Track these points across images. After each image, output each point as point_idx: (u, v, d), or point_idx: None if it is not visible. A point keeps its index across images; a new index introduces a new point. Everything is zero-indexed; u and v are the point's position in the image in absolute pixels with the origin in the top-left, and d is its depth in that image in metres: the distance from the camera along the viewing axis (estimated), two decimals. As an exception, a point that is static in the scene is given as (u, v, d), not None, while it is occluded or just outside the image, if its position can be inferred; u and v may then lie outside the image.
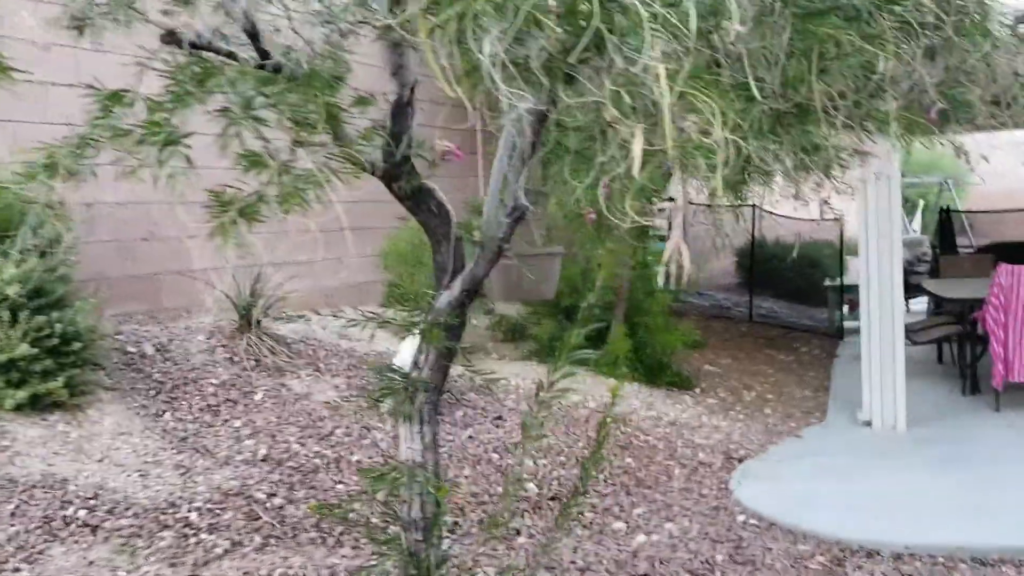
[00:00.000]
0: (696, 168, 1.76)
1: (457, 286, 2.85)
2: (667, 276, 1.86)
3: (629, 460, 5.22)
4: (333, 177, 1.95)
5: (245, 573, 3.14)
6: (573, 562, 3.82)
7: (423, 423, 2.89)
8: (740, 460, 5.38)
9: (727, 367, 8.06)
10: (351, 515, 3.26)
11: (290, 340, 5.49)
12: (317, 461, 4.18)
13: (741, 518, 4.48)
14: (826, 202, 5.65)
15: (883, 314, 5.94)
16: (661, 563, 3.91)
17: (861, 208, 5.97)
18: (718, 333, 9.69)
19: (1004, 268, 6.12)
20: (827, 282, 10.75)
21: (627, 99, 1.57)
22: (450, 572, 2.92)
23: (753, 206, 10.86)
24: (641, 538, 4.19)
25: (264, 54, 2.39)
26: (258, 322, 5.19)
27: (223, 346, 5.02)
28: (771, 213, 11.36)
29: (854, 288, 7.69)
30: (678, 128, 1.68)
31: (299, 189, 1.81)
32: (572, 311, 6.98)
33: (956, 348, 7.24)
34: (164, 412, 4.26)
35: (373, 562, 2.81)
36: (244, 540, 3.48)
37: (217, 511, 3.58)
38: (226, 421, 4.34)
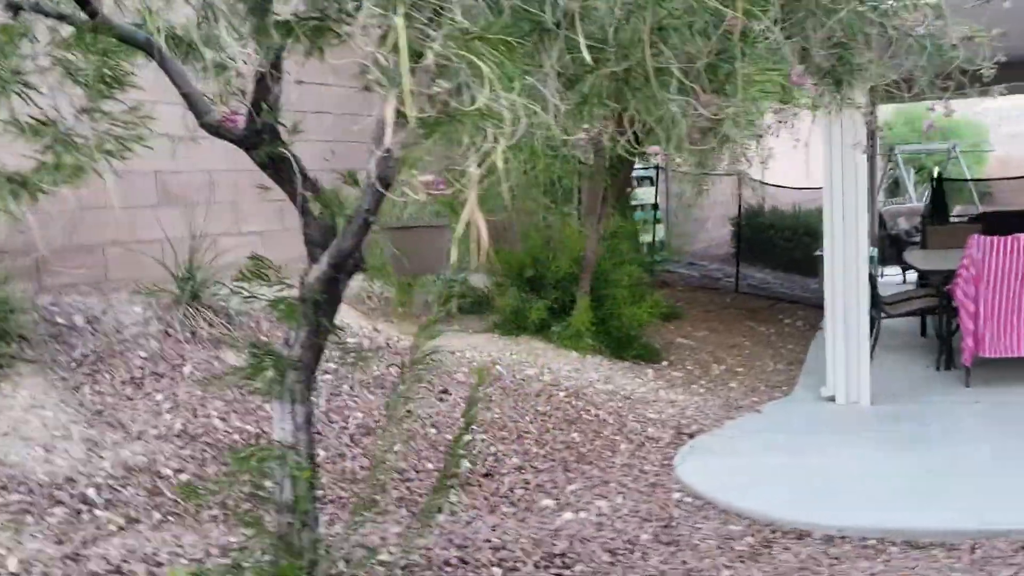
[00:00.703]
0: (484, 137, 1.62)
1: (324, 261, 2.73)
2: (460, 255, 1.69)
3: (575, 435, 5.11)
4: (129, 145, 1.84)
5: (130, 551, 3.07)
6: (488, 540, 3.72)
7: (294, 402, 2.79)
8: (691, 435, 5.25)
9: (701, 339, 7.91)
10: (230, 496, 3.19)
11: (233, 312, 5.40)
12: (236, 437, 4.10)
13: (677, 495, 4.36)
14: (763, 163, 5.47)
15: (847, 286, 5.76)
16: (582, 542, 3.81)
17: (825, 176, 5.78)
18: (701, 304, 9.52)
19: (975, 239, 5.91)
20: (818, 252, 10.52)
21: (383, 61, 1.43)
22: (324, 554, 2.84)
23: (739, 174, 10.63)
24: (568, 516, 4.09)
25: (94, 14, 2.27)
26: (196, 294, 5.09)
27: (159, 318, 4.93)
28: (762, 183, 11.11)
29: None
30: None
31: (83, 158, 1.70)
32: (536, 282, 6.89)
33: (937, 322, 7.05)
34: (83, 385, 4.18)
35: (244, 545, 2.73)
36: (142, 517, 3.40)
37: (117, 487, 3.50)
38: (148, 395, 4.26)
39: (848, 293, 5.76)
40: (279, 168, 2.63)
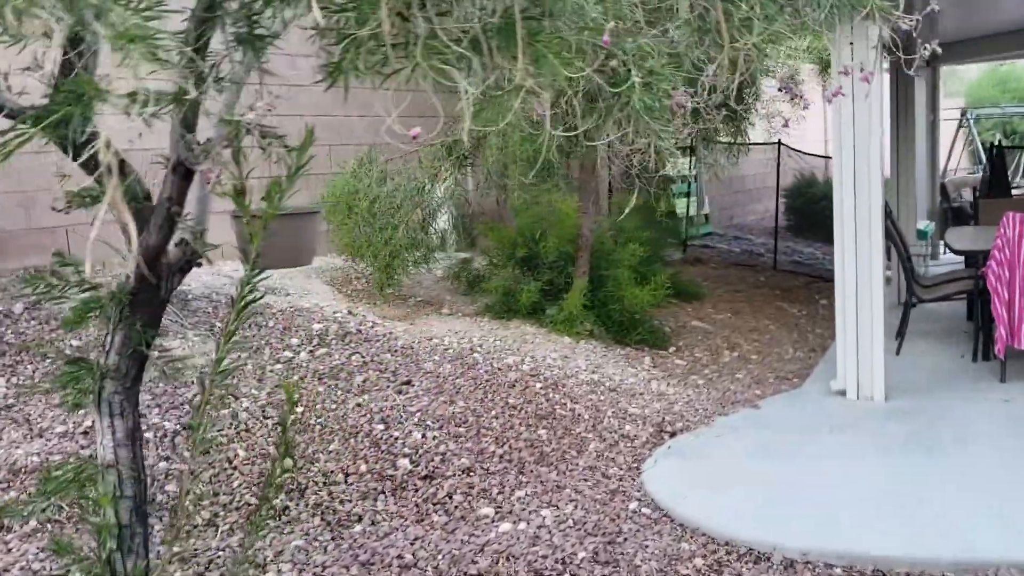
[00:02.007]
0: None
1: (131, 258, 2.39)
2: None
3: (542, 432, 4.71)
4: None
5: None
6: (400, 557, 3.38)
7: (113, 416, 2.47)
8: (673, 434, 4.80)
9: (720, 322, 7.38)
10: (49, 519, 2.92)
11: (191, 296, 5.16)
12: (148, 435, 3.84)
13: (635, 505, 3.94)
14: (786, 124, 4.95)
15: (860, 266, 5.19)
16: (508, 559, 3.43)
17: (833, 133, 5.20)
18: (731, 283, 8.95)
19: (1009, 216, 5.26)
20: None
21: None
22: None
23: (779, 144, 9.95)
24: (505, 527, 3.71)
25: None
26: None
27: (104, 303, 4.71)
28: (801, 152, 10.40)
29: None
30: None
31: None
32: (529, 262, 6.48)
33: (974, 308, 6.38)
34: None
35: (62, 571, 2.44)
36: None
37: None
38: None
39: (861, 273, 5.19)
40: (80, 152, 2.30)
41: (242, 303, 2.36)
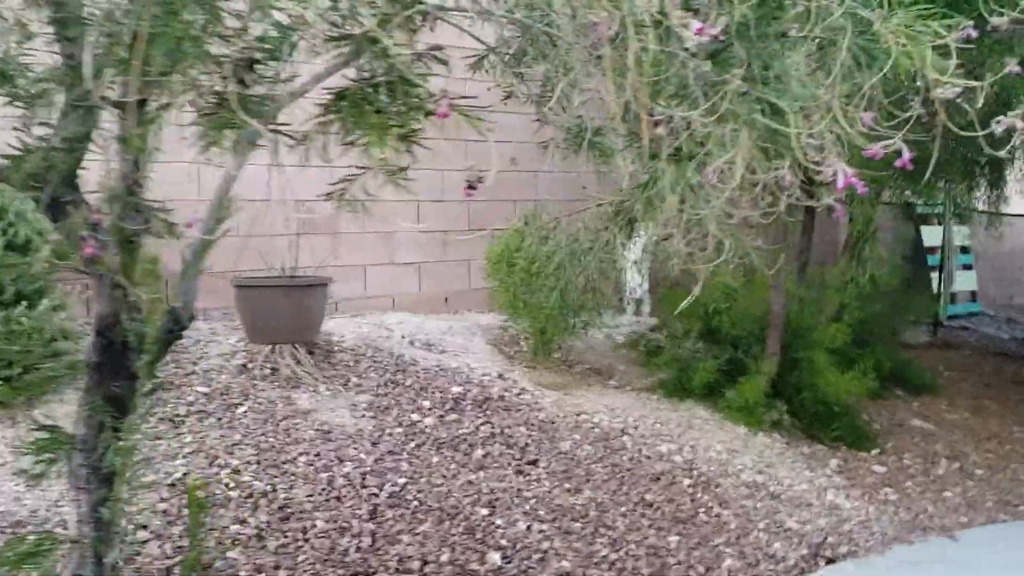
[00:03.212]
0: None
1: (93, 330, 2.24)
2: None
3: (673, 539, 4.11)
4: None
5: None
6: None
7: (79, 489, 2.33)
8: (831, 560, 4.01)
9: (950, 423, 6.23)
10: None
11: (337, 348, 5.12)
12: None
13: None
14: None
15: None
16: None
17: None
18: (984, 375, 7.62)
19: None
20: None
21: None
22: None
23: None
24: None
25: None
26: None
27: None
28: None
29: None
30: None
31: None
32: (712, 336, 5.84)
33: None
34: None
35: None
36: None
37: None
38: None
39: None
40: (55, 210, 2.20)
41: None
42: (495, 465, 4.45)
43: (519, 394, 5.23)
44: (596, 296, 5.61)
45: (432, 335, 5.89)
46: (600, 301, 5.71)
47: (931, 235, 9.43)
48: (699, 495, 4.51)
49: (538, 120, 2.63)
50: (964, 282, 10.55)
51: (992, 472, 5.39)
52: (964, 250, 10.66)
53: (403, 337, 5.68)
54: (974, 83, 1.56)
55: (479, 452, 4.52)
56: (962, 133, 1.70)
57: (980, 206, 7.97)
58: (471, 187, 1.83)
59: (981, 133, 1.60)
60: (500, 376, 5.41)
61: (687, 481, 4.62)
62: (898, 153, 1.69)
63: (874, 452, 5.53)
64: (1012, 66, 1.59)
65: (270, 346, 4.78)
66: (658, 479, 4.61)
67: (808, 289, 6.05)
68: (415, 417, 4.71)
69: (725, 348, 5.74)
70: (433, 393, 4.97)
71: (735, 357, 5.67)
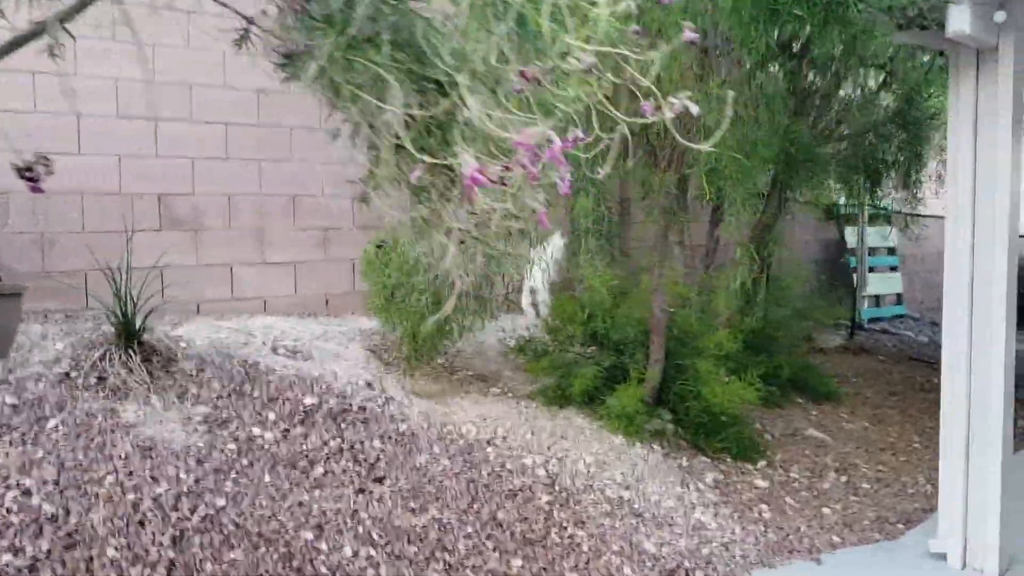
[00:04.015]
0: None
1: None
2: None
3: (517, 563, 3.82)
4: None
5: None
6: None
7: None
8: (684, 588, 3.74)
9: (847, 433, 6.02)
10: None
11: (183, 356, 4.77)
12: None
13: None
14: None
15: (975, 373, 3.87)
16: None
17: (948, 185, 3.97)
18: (892, 383, 7.43)
19: None
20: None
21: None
22: None
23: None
24: None
25: None
26: (141, 330, 4.54)
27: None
28: None
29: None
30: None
31: None
32: (597, 341, 5.57)
33: None
34: None
35: None
36: None
37: None
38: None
39: (976, 384, 3.87)
40: None
41: None
42: (334, 484, 4.13)
43: (384, 405, 4.90)
44: (477, 300, 5.33)
45: (302, 340, 5.55)
46: (483, 304, 5.43)
47: (854, 236, 9.28)
48: (556, 513, 4.23)
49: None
50: (889, 284, 10.41)
51: (880, 486, 5.17)
52: (891, 252, 10.54)
53: (264, 343, 5.33)
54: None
55: (319, 470, 4.19)
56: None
57: (897, 207, 7.80)
58: (31, 179, 1.51)
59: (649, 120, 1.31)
60: (368, 385, 5.09)
61: (546, 497, 4.34)
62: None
63: (760, 464, 5.29)
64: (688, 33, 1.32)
65: (99, 351, 4.42)
66: (515, 496, 4.32)
67: (700, 293, 5.80)
68: (255, 431, 4.37)
69: (608, 354, 5.47)
70: (283, 404, 4.63)
71: (618, 363, 5.41)
